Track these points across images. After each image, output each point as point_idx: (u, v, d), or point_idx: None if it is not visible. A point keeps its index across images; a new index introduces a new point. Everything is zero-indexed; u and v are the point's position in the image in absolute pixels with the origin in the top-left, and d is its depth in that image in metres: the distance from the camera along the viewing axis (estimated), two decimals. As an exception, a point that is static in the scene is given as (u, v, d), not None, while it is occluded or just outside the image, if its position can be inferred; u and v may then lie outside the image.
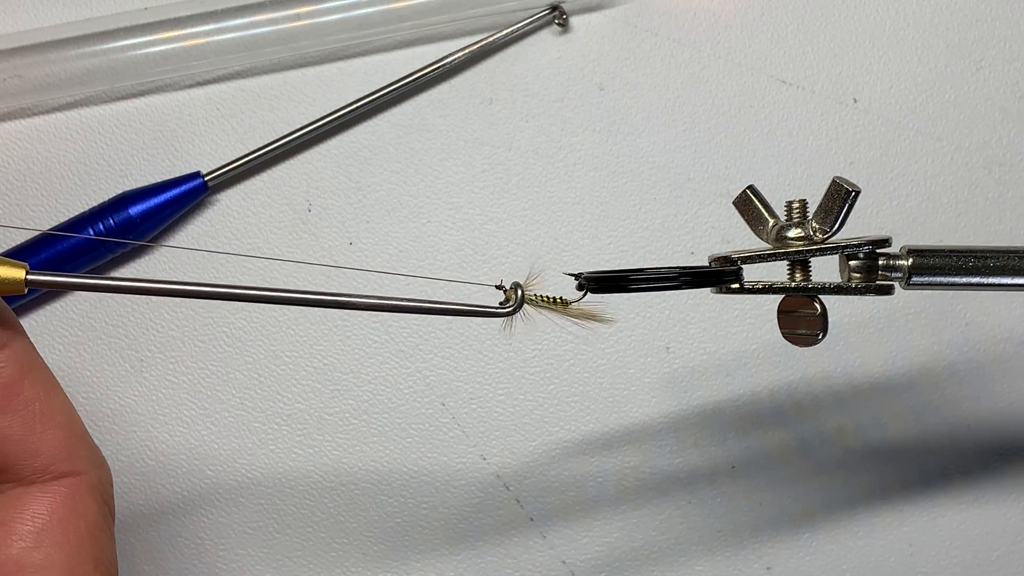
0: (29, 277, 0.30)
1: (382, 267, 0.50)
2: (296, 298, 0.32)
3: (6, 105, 0.50)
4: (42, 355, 0.49)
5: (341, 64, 0.51)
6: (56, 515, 0.32)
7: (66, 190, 0.50)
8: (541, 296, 0.34)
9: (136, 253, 0.49)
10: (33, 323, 0.49)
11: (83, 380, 0.49)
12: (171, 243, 0.50)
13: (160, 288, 0.32)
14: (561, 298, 0.34)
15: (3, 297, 0.31)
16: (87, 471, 0.33)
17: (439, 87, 0.51)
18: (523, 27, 0.50)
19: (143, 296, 0.49)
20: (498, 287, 0.34)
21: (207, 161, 0.50)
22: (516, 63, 0.51)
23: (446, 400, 0.49)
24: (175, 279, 0.49)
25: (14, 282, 0.30)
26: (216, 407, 0.49)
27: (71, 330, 0.49)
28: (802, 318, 0.34)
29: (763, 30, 0.51)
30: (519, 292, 0.34)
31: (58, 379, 0.49)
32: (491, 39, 0.50)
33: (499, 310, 0.34)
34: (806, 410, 0.49)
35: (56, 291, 0.49)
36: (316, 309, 0.49)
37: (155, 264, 0.50)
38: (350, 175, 0.50)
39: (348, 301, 0.33)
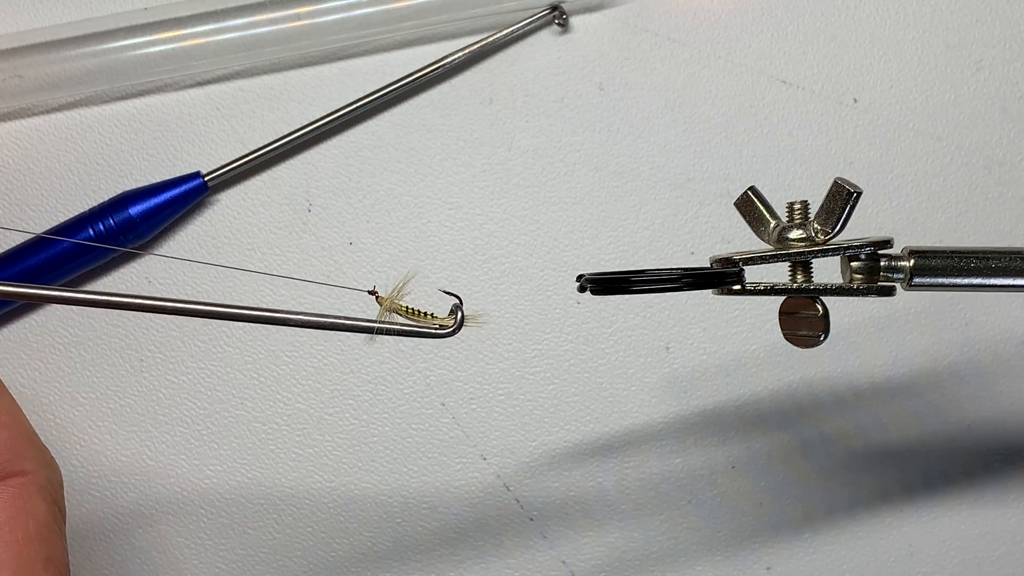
0: None
1: (382, 267, 0.50)
2: (217, 312, 0.33)
3: (6, 105, 0.50)
4: (42, 356, 0.49)
5: (341, 64, 0.51)
6: (5, 514, 0.32)
7: (66, 190, 0.50)
8: (410, 308, 0.34)
9: (136, 253, 0.49)
10: (33, 323, 0.49)
11: (83, 380, 0.49)
12: (171, 243, 0.50)
13: (75, 298, 0.32)
14: (431, 314, 0.34)
15: None
16: (35, 471, 0.33)
17: (439, 87, 0.51)
18: (523, 27, 0.50)
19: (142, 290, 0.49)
20: (371, 293, 0.34)
21: (207, 161, 0.50)
22: (516, 63, 0.51)
23: (446, 400, 0.49)
24: (176, 278, 0.50)
25: None
26: (216, 407, 0.49)
27: (71, 330, 0.49)
28: (804, 319, 0.34)
29: (763, 30, 0.51)
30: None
31: (58, 378, 0.49)
32: (491, 39, 0.50)
33: (439, 332, 0.34)
34: (807, 411, 0.49)
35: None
36: (313, 306, 0.49)
37: (156, 263, 0.50)
38: (350, 175, 0.50)
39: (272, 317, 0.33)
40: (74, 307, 0.50)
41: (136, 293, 0.49)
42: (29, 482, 0.33)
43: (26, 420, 0.34)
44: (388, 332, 0.34)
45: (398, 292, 0.34)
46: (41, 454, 0.34)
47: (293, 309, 0.33)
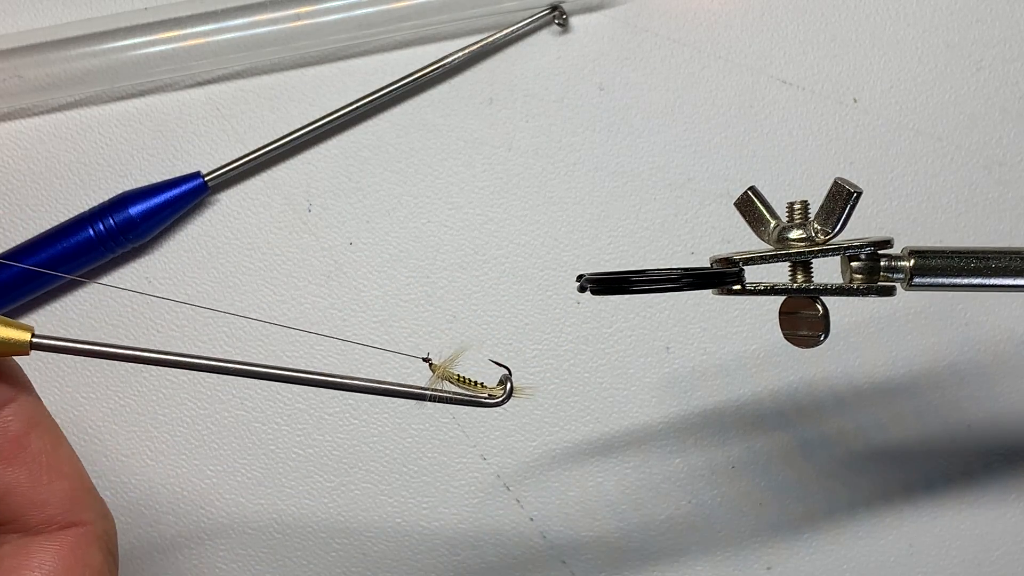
0: (34, 340, 0.31)
1: (381, 267, 0.50)
2: (300, 377, 0.34)
3: (6, 105, 0.50)
4: (42, 356, 0.49)
5: (341, 64, 0.51)
6: (62, 564, 0.32)
7: (66, 190, 0.50)
8: (461, 377, 0.35)
9: (136, 253, 0.49)
10: (33, 323, 0.49)
11: (83, 380, 0.49)
12: (171, 243, 0.50)
13: (154, 358, 0.33)
14: (481, 383, 0.35)
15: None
16: (92, 522, 0.34)
17: (439, 87, 0.51)
18: (523, 27, 0.50)
19: (143, 296, 0.49)
20: (425, 360, 0.35)
21: (207, 161, 0.50)
22: (516, 63, 0.51)
23: (446, 400, 0.49)
24: (176, 279, 0.50)
25: (18, 344, 0.31)
26: (216, 407, 0.49)
27: (72, 330, 0.49)
28: (804, 319, 0.34)
29: (763, 30, 0.51)
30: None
31: (58, 378, 0.49)
32: (491, 39, 0.50)
33: (488, 402, 0.35)
34: (807, 411, 0.49)
35: (55, 292, 0.49)
36: (313, 306, 0.49)
37: (155, 264, 0.50)
38: (350, 175, 0.50)
39: (348, 383, 0.34)
40: (73, 307, 0.50)
41: (136, 296, 0.50)
42: (87, 532, 0.33)
43: (85, 471, 0.35)
44: (440, 399, 0.35)
45: (452, 361, 0.35)
46: (99, 505, 0.35)
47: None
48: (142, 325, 0.49)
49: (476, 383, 0.35)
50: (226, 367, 0.33)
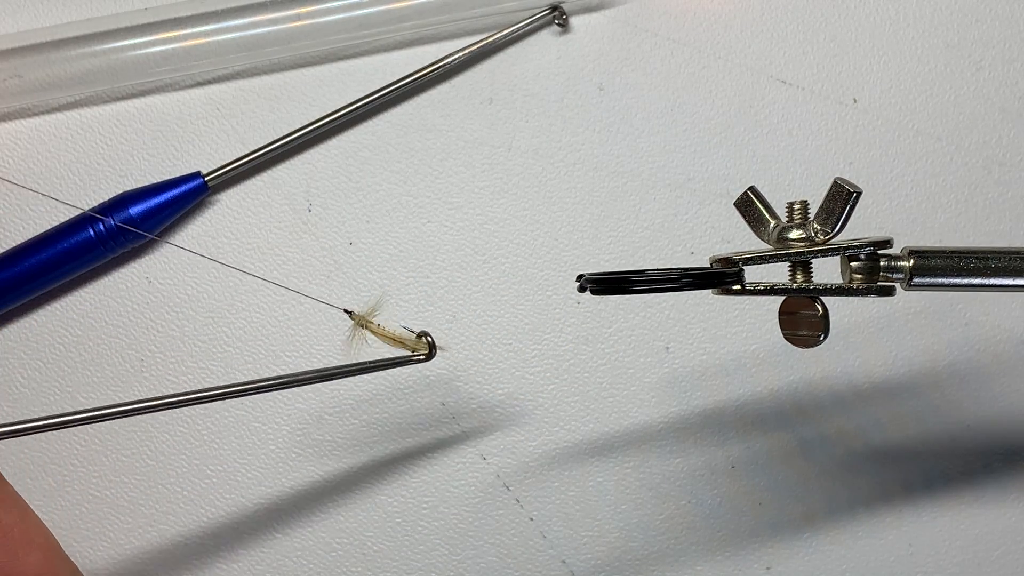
0: None
1: (381, 267, 0.50)
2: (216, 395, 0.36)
3: (6, 105, 0.50)
4: (42, 356, 0.49)
5: (341, 64, 0.51)
6: None
7: (66, 190, 0.50)
8: (381, 327, 0.36)
9: (137, 253, 0.49)
10: (33, 323, 0.49)
11: (83, 380, 0.49)
12: (172, 242, 0.50)
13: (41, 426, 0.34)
14: (401, 329, 0.36)
15: None
16: None
17: (439, 87, 0.51)
18: (523, 27, 0.50)
19: (143, 295, 0.49)
20: (346, 311, 0.35)
21: (207, 161, 0.50)
22: (516, 63, 0.51)
23: (446, 400, 0.49)
24: (176, 279, 0.50)
25: None
26: (216, 406, 0.49)
27: (71, 330, 0.49)
28: (803, 319, 0.34)
29: (763, 30, 0.51)
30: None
31: (58, 378, 0.49)
32: (491, 39, 0.50)
33: (416, 357, 0.36)
34: (807, 411, 0.49)
35: (55, 292, 0.49)
36: (313, 305, 0.49)
37: (156, 263, 0.50)
38: (350, 175, 0.50)
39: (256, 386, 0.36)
40: (72, 307, 0.50)
41: (136, 296, 0.50)
42: None
43: (53, 536, 0.35)
44: (374, 369, 0.35)
45: (371, 312, 0.35)
46: (71, 568, 0.35)
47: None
48: (141, 325, 0.49)
49: (396, 335, 0.36)
50: (138, 408, 0.35)
